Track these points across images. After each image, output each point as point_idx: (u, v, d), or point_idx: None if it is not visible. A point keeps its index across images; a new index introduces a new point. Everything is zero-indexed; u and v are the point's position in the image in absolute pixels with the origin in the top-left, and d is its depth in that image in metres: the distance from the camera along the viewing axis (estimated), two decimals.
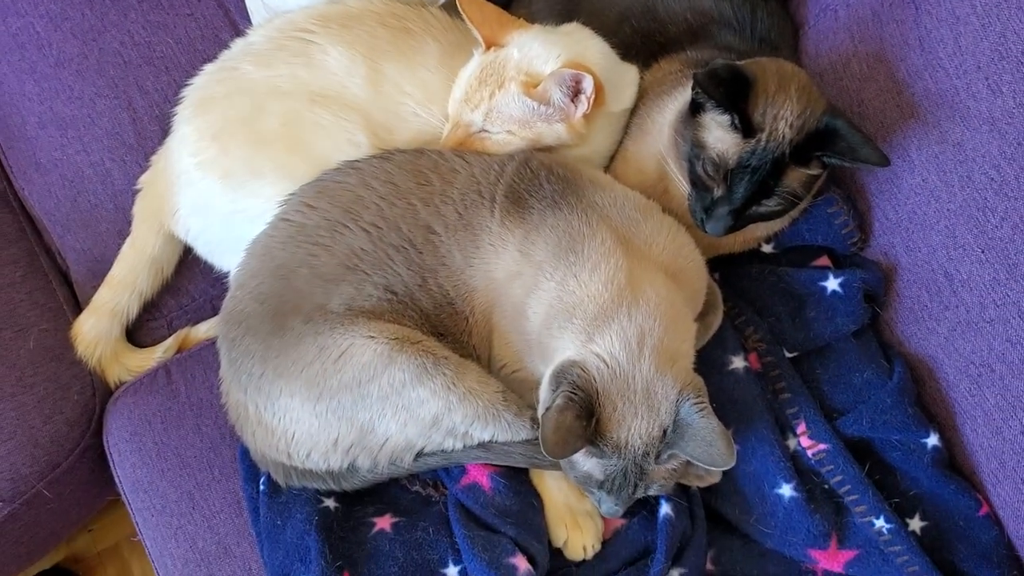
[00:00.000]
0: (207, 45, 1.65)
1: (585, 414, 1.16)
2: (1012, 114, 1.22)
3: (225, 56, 1.51)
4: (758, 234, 1.44)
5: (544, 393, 1.21)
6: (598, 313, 1.21)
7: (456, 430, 1.27)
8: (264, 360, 1.28)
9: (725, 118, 1.25)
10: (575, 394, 1.16)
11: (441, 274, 1.30)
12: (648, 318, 1.21)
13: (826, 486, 1.35)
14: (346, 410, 1.26)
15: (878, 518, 1.31)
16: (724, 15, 1.48)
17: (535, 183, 1.31)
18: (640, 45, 1.50)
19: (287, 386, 1.27)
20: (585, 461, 1.21)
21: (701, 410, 1.17)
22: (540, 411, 1.21)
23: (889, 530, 1.30)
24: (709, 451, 1.15)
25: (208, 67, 1.51)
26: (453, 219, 1.30)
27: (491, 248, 1.29)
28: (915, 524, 1.33)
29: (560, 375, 1.18)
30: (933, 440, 1.36)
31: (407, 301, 1.29)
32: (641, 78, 1.46)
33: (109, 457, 1.53)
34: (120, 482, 1.51)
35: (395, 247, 1.29)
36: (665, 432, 1.18)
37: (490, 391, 1.26)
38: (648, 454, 1.18)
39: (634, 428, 1.18)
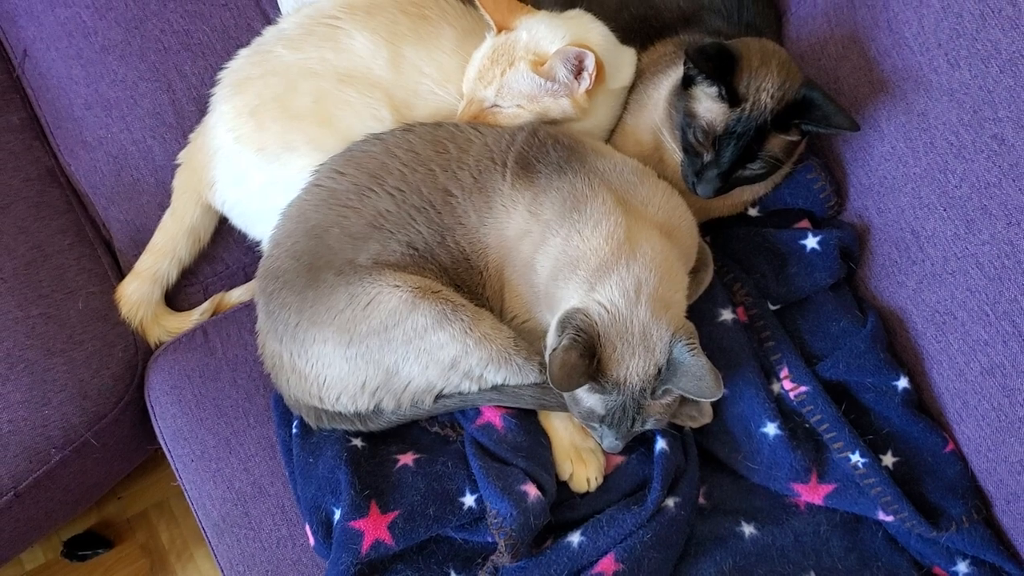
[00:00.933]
0: (240, 32, 1.74)
1: (588, 354, 1.26)
2: (968, 85, 1.33)
3: (258, 42, 1.60)
4: (745, 198, 1.55)
5: (551, 337, 1.31)
6: (599, 265, 1.32)
7: (472, 372, 1.37)
8: (299, 311, 1.38)
9: (713, 89, 1.36)
10: (579, 336, 1.26)
11: (458, 232, 1.40)
12: (644, 270, 1.31)
13: (807, 425, 1.43)
14: (373, 354, 1.36)
15: (854, 454, 1.39)
16: (713, 2, 1.58)
17: (542, 151, 1.41)
18: (637, 29, 1.59)
19: (320, 333, 1.37)
20: (588, 397, 1.32)
21: (692, 350, 1.27)
22: (547, 353, 1.30)
23: (864, 464, 1.38)
24: (699, 385, 1.26)
25: (243, 52, 1.61)
26: (469, 183, 1.40)
27: (503, 209, 1.39)
28: (888, 460, 1.42)
29: (565, 320, 1.28)
30: (903, 383, 1.45)
31: (428, 256, 1.39)
32: (638, 59, 1.56)
33: (150, 410, 1.62)
34: (161, 431, 1.60)
35: (417, 208, 1.40)
36: (660, 370, 1.29)
37: (503, 337, 1.37)
38: (645, 390, 1.29)
39: (632, 366, 1.29)
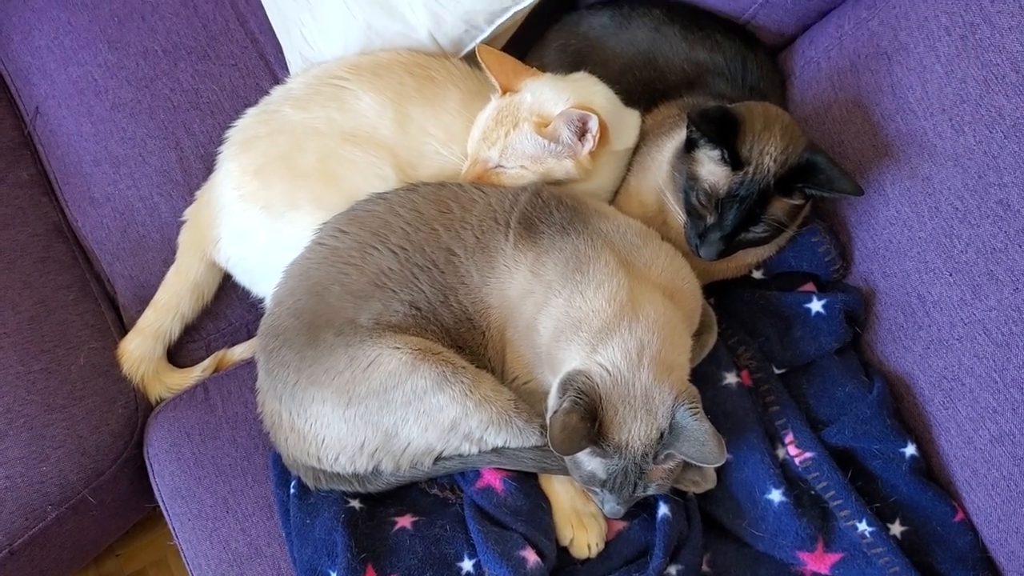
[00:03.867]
0: (249, 92, 1.76)
1: (589, 417, 1.25)
2: (973, 150, 1.33)
3: (266, 101, 1.63)
4: (749, 261, 1.54)
5: (552, 400, 1.30)
6: (602, 327, 1.31)
7: (472, 435, 1.36)
8: (299, 370, 1.38)
9: (716, 153, 1.36)
10: (580, 399, 1.25)
11: (460, 292, 1.40)
12: (647, 332, 1.30)
13: (812, 492, 1.41)
14: (372, 415, 1.35)
15: (861, 522, 1.37)
16: (717, 65, 1.60)
17: (546, 211, 1.41)
18: (642, 92, 1.61)
19: (319, 393, 1.36)
20: (589, 461, 1.30)
21: (695, 414, 1.26)
22: (548, 416, 1.29)
23: (871, 533, 1.36)
24: (702, 450, 1.24)
25: (250, 111, 1.64)
26: (472, 243, 1.41)
27: (505, 269, 1.39)
28: (895, 528, 1.39)
29: (567, 383, 1.27)
30: (911, 450, 1.42)
31: (430, 316, 1.39)
32: (642, 121, 1.58)
33: (148, 467, 1.61)
34: (159, 489, 1.59)
35: (420, 267, 1.40)
36: (662, 434, 1.27)
37: (503, 399, 1.36)
38: (647, 454, 1.27)
39: (634, 430, 1.27)
